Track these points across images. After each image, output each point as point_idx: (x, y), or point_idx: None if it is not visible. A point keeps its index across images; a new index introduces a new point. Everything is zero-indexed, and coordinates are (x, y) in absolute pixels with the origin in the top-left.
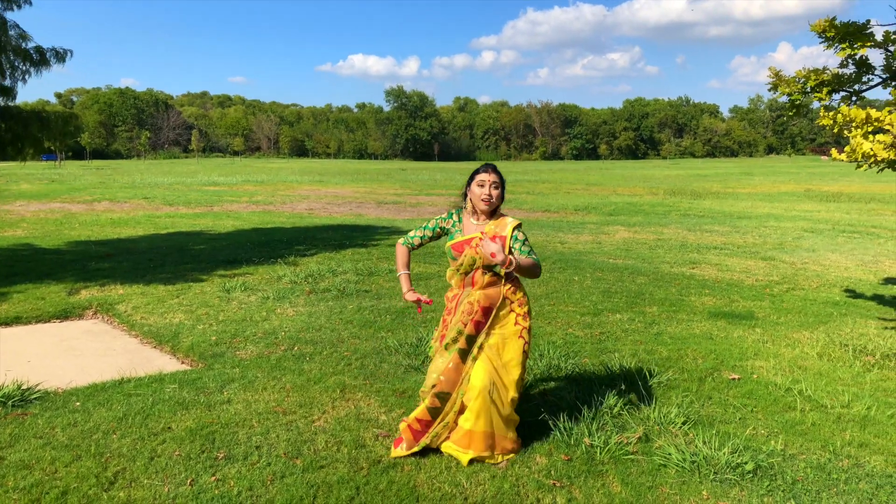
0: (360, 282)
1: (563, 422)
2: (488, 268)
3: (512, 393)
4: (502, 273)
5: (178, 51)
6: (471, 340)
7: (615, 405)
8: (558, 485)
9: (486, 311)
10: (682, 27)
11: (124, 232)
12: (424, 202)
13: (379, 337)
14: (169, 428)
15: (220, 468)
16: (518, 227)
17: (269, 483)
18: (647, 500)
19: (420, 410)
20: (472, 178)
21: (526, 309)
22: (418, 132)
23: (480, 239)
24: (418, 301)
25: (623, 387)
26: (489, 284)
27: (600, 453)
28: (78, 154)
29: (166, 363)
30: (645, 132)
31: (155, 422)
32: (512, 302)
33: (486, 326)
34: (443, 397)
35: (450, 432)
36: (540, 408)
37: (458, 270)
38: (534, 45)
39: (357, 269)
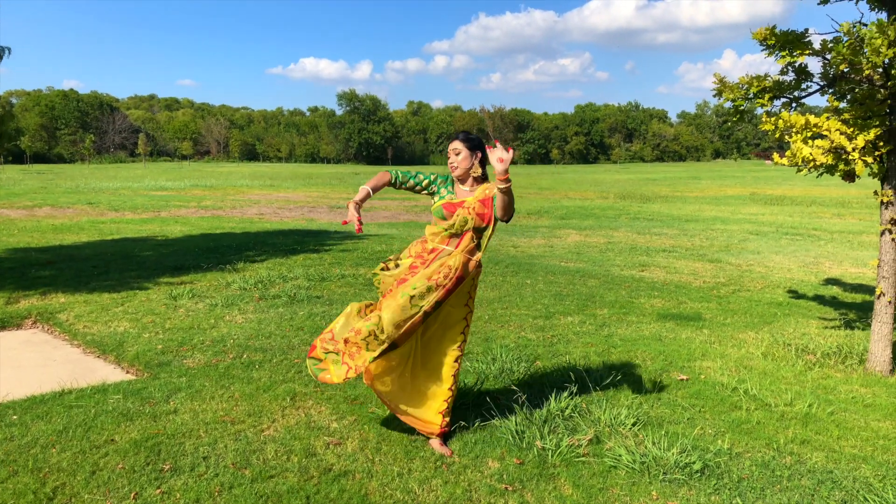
0: (312, 287)
1: (516, 425)
2: (478, 231)
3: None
4: (501, 186)
5: (124, 53)
6: (437, 305)
7: (567, 407)
8: (510, 489)
9: (459, 280)
10: (630, 33)
11: (67, 238)
12: (378, 206)
13: None
14: (112, 440)
15: (165, 480)
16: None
17: (216, 495)
18: (598, 502)
19: (371, 358)
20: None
21: (475, 293)
22: (371, 136)
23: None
24: (358, 220)
25: (575, 389)
26: (470, 250)
27: (552, 456)
28: (17, 158)
29: (110, 373)
30: (595, 137)
31: (97, 434)
32: (473, 282)
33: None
34: (394, 346)
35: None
36: (492, 411)
37: (446, 230)
38: (486, 51)
39: (308, 274)
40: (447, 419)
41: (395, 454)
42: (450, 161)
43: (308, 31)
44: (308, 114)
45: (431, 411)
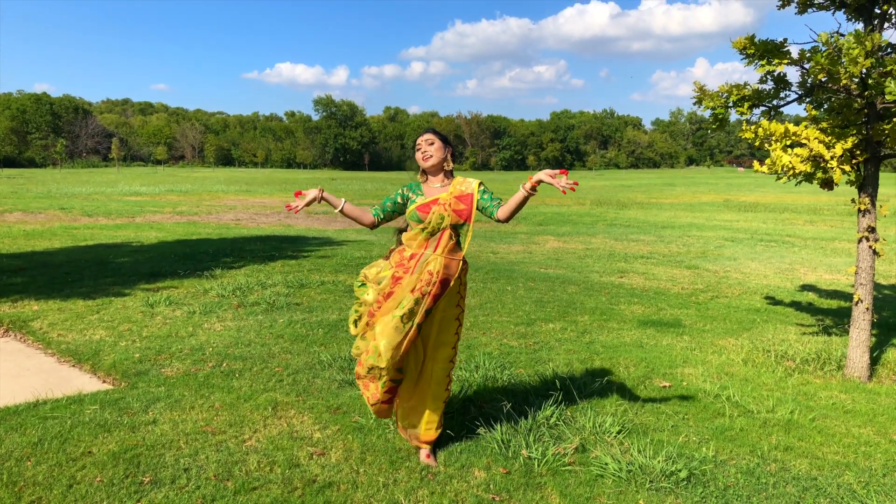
0: (291, 294)
1: (501, 434)
2: (455, 228)
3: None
4: (529, 192)
5: (96, 56)
6: (428, 314)
7: (551, 415)
8: (497, 499)
9: (444, 283)
10: (605, 41)
11: (39, 244)
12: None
13: (311, 352)
14: (89, 452)
15: (145, 493)
16: (482, 183)
17: None
18: None
19: (383, 386)
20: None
21: (465, 293)
22: (348, 141)
23: (455, 196)
24: (295, 207)
25: (559, 397)
26: (451, 250)
27: (538, 465)
28: None
29: (86, 383)
30: (571, 144)
31: (74, 446)
32: (461, 282)
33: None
34: (400, 369)
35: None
36: (476, 420)
37: (423, 230)
38: (462, 57)
39: (287, 281)
40: (441, 423)
41: (379, 464)
42: (422, 151)
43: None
44: (285, 119)
45: (427, 416)
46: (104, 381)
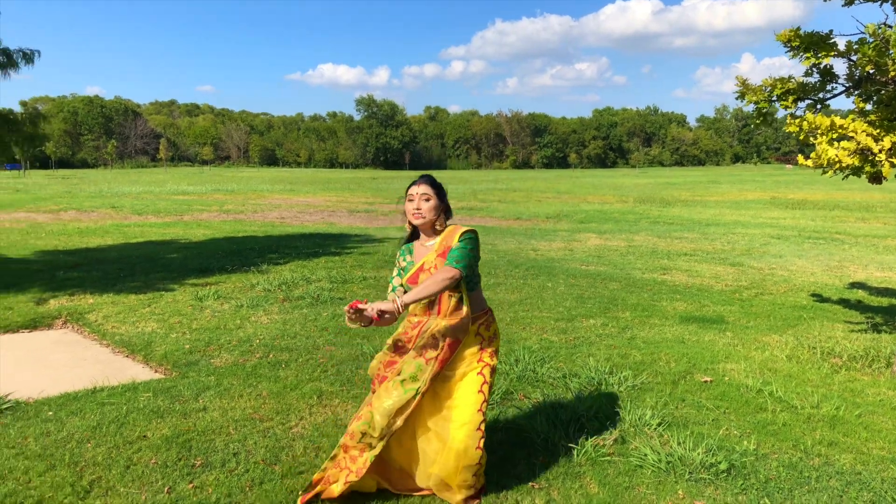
0: (335, 289)
1: (541, 425)
2: (453, 289)
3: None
4: (399, 311)
5: (144, 59)
6: (435, 377)
7: (591, 408)
8: (537, 487)
9: (452, 347)
10: (647, 38)
11: (93, 241)
12: (396, 210)
13: (354, 343)
14: (144, 436)
15: (197, 475)
16: (466, 232)
17: (247, 489)
18: (624, 500)
19: (371, 459)
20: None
21: (495, 347)
22: (389, 141)
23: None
24: (357, 309)
25: (597, 390)
26: (454, 310)
27: (577, 455)
28: (43, 163)
29: (139, 372)
30: (614, 141)
31: (130, 430)
32: (483, 339)
33: (451, 362)
34: (390, 436)
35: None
36: (516, 412)
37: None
38: (502, 56)
39: (331, 276)
40: (474, 491)
41: None
42: (413, 207)
43: (326, 38)
44: (327, 119)
45: (454, 488)
46: (156, 371)
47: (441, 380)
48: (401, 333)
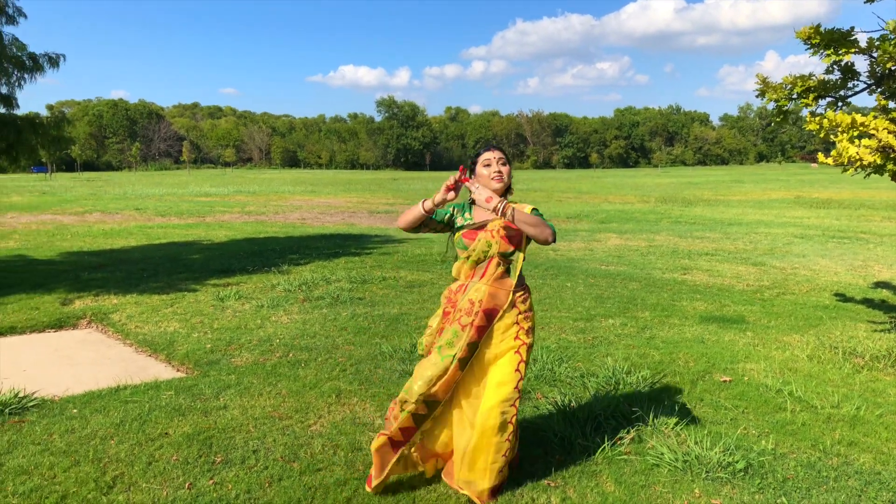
0: (354, 289)
1: (558, 423)
2: (504, 256)
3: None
4: (499, 216)
5: (167, 62)
6: (473, 347)
7: (608, 407)
8: (553, 485)
9: (489, 315)
10: (669, 36)
11: (117, 243)
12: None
13: (373, 343)
14: (166, 433)
15: (217, 472)
16: (535, 208)
17: (266, 486)
18: (641, 499)
19: (404, 418)
20: (474, 162)
21: (531, 324)
22: (410, 142)
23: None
24: (452, 187)
25: (615, 390)
26: (499, 279)
27: (594, 454)
28: (69, 166)
29: (162, 371)
30: (636, 141)
31: (152, 427)
32: (520, 312)
33: (487, 333)
34: (431, 404)
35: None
36: (535, 410)
37: (468, 258)
38: (523, 55)
39: (350, 277)
40: (500, 477)
41: None
42: (494, 171)
43: (347, 40)
44: (348, 120)
45: (478, 468)
46: (178, 370)
47: (477, 361)
48: (447, 302)
